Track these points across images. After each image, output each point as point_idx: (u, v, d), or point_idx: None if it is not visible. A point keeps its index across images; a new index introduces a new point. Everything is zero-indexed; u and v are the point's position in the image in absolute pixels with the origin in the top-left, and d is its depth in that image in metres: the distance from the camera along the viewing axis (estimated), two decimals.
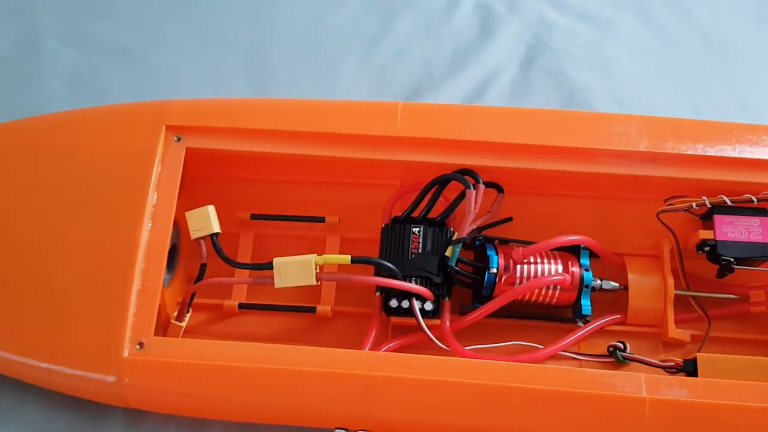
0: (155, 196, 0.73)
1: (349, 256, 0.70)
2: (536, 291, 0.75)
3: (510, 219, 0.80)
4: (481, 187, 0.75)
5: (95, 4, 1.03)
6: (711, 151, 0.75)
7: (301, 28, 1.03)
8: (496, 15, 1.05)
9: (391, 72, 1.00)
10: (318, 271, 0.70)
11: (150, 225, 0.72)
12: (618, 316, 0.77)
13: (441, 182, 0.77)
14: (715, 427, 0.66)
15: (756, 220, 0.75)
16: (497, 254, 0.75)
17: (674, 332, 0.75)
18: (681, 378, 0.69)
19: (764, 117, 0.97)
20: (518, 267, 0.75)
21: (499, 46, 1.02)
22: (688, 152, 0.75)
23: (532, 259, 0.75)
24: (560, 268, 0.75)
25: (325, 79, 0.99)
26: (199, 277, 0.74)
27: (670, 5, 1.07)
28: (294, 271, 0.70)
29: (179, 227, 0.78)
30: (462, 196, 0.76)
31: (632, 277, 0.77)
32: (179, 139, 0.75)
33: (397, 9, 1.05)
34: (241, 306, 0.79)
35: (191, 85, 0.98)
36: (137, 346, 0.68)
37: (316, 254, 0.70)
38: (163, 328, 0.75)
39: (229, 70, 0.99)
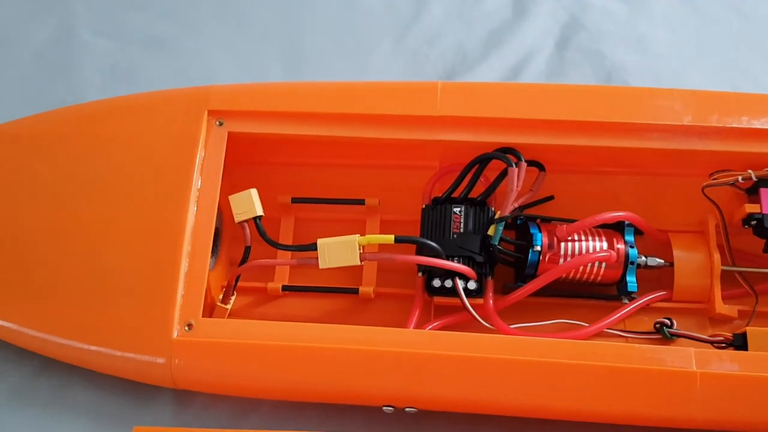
0: (200, 181, 0.74)
1: (393, 236, 0.71)
2: (581, 268, 0.75)
3: (551, 197, 0.79)
4: (523, 164, 0.74)
5: None
6: (756, 124, 0.74)
7: (335, 12, 1.03)
8: None
9: (425, 55, 1.00)
10: (361, 251, 0.70)
11: (195, 209, 0.73)
12: (664, 292, 0.76)
13: (482, 161, 0.76)
14: None
15: None
16: (540, 232, 0.75)
17: (722, 308, 0.74)
18: (731, 352, 0.68)
19: None
20: (562, 245, 0.74)
21: (533, 27, 1.02)
22: (734, 125, 0.74)
23: (576, 237, 0.75)
24: (605, 245, 0.75)
25: (358, 64, 0.99)
26: (244, 260, 0.75)
27: None
28: (338, 251, 0.70)
29: (221, 211, 0.79)
30: (503, 174, 0.76)
31: (678, 254, 0.76)
32: (221, 124, 0.76)
33: None
34: (285, 288, 0.80)
35: (226, 73, 0.98)
36: (186, 328, 0.69)
37: (359, 234, 0.71)
38: (208, 311, 0.75)
39: (264, 57, 1.00)
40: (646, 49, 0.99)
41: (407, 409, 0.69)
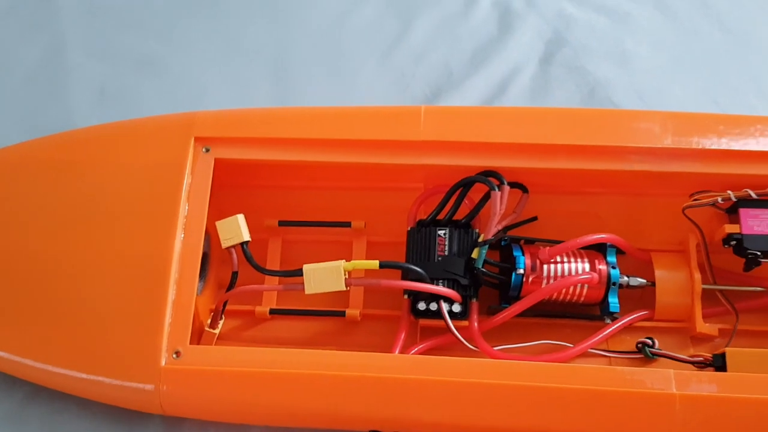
0: (186, 207, 0.75)
1: (377, 261, 0.71)
2: (564, 290, 0.76)
3: (535, 218, 0.80)
4: (506, 188, 0.75)
5: (119, 15, 1.05)
6: (735, 146, 0.75)
7: (322, 33, 1.03)
8: (514, 12, 1.05)
9: (411, 74, 1.01)
10: (347, 276, 0.71)
11: (182, 236, 0.74)
12: (645, 312, 0.78)
13: (465, 184, 0.77)
14: (747, 421, 0.66)
15: None
16: (523, 255, 0.76)
17: (702, 327, 0.76)
18: (710, 373, 0.69)
19: None
20: (545, 267, 0.76)
21: (518, 44, 1.03)
22: (713, 147, 0.75)
23: (558, 259, 0.76)
24: (587, 266, 0.76)
25: (345, 84, 1.00)
26: (231, 285, 0.76)
27: None
28: (323, 277, 0.71)
29: (209, 235, 0.80)
30: (487, 197, 0.77)
31: (659, 273, 0.77)
32: (208, 150, 0.77)
33: (414, 10, 1.05)
34: (273, 311, 0.81)
35: (216, 93, 0.99)
36: (174, 355, 0.70)
37: (344, 260, 0.71)
38: (197, 335, 0.77)
39: (253, 77, 1.00)
40: (628, 64, 1.01)
41: None
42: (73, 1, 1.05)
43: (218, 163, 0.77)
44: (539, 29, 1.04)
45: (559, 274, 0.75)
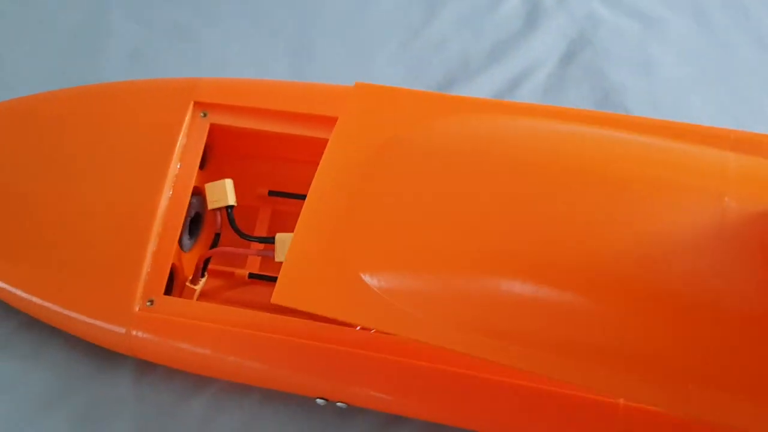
0: (178, 166, 0.79)
1: None
2: None
3: None
4: None
5: None
6: None
7: (346, 14, 1.05)
8: (542, 9, 1.04)
9: (428, 62, 1.02)
10: None
11: (171, 192, 0.78)
12: None
13: None
14: None
15: None
16: None
17: None
18: None
19: None
20: None
21: (540, 41, 1.02)
22: None
23: None
24: None
25: (362, 66, 1.02)
26: (214, 245, 0.79)
27: (729, 7, 1.03)
28: None
29: (205, 197, 0.84)
30: None
31: None
32: (205, 115, 0.81)
33: (442, 0, 1.06)
34: (252, 276, 0.84)
35: (237, 66, 1.02)
36: (148, 303, 0.74)
37: None
38: (179, 290, 0.81)
39: (273, 54, 1.03)
40: (651, 72, 0.98)
41: (338, 404, 0.73)
42: None
43: (215, 128, 0.81)
44: (565, 28, 1.03)
45: None
